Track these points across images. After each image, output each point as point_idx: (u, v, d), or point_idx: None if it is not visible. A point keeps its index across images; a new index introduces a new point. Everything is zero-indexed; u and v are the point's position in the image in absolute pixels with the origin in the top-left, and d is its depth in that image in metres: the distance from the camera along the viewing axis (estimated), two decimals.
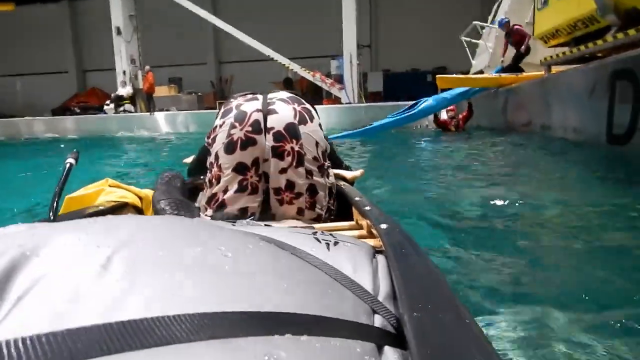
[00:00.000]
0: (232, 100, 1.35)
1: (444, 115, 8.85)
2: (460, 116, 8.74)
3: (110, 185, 1.17)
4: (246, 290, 0.33)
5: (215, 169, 1.26)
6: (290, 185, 1.24)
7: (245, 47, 15.98)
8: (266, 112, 1.25)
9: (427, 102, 8.03)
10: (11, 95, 20.17)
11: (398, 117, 8.21)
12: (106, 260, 0.30)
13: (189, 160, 1.89)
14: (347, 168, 1.69)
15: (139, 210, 1.22)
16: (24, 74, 22.05)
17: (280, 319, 0.31)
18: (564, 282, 1.74)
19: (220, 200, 1.25)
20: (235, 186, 1.24)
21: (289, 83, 16.96)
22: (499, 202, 3.09)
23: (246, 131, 1.22)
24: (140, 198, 1.20)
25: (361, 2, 16.02)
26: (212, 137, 1.30)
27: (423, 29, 19.54)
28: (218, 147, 1.26)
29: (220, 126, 1.27)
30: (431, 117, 8.96)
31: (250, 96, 1.34)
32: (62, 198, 1.06)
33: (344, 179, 1.57)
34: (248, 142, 1.21)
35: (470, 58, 11.54)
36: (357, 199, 1.17)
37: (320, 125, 1.33)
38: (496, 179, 4.05)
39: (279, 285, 0.35)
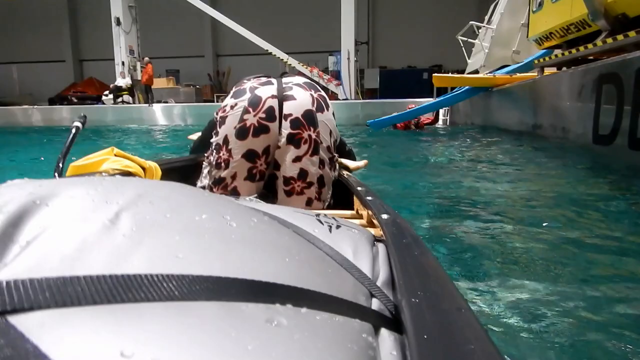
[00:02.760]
0: (245, 81, 1.28)
1: None
2: (423, 118, 9.59)
3: (115, 155, 1.16)
4: (249, 259, 0.33)
5: (223, 153, 1.22)
6: (302, 174, 1.21)
7: (243, 40, 16.05)
8: (282, 97, 1.20)
9: (463, 89, 9.02)
10: (8, 83, 20.13)
11: (441, 100, 9.45)
12: (114, 215, 0.31)
13: (194, 137, 1.83)
14: (350, 152, 1.64)
15: None
16: (21, 61, 21.97)
17: (281, 289, 0.32)
18: (548, 272, 1.92)
19: (231, 186, 1.22)
20: (245, 173, 1.21)
21: None
22: (488, 194, 3.30)
23: (260, 118, 1.18)
24: (144, 169, 1.22)
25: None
26: (221, 115, 1.24)
27: (420, 28, 19.72)
28: (228, 130, 1.21)
29: (232, 107, 1.21)
30: None
31: (264, 79, 1.27)
32: (68, 161, 1.06)
33: (346, 167, 1.54)
34: (261, 130, 1.18)
35: (467, 57, 11.73)
36: (359, 188, 1.14)
37: (333, 113, 1.30)
38: (486, 172, 4.25)
39: (280, 259, 0.35)
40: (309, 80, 1.31)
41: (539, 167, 4.39)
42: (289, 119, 1.18)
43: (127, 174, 1.11)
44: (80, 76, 22.55)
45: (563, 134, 4.99)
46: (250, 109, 1.19)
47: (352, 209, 1.19)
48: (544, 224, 2.49)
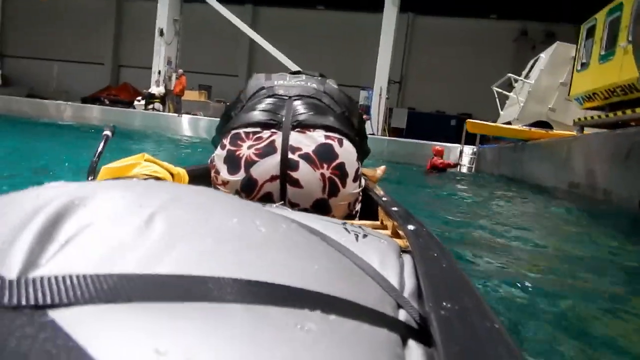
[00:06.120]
0: (241, 134, 1.08)
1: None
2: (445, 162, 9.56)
3: (146, 160, 1.20)
4: (277, 264, 0.33)
5: None
6: None
7: (278, 65, 16.30)
8: (284, 177, 1.00)
9: None
10: (47, 79, 20.70)
11: None
12: (148, 218, 0.31)
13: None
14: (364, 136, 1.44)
15: None
16: (61, 59, 22.66)
17: (310, 295, 0.31)
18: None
19: None
20: None
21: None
22: (510, 249, 3.11)
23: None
24: (172, 175, 1.23)
25: (397, 38, 16.37)
26: (214, 181, 1.10)
27: (453, 75, 19.83)
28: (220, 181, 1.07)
29: (224, 184, 1.05)
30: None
31: (265, 139, 1.05)
32: (99, 166, 1.12)
33: (369, 177, 1.48)
34: None
35: (499, 108, 11.68)
36: (383, 199, 1.09)
37: (357, 173, 1.07)
38: (513, 227, 4.07)
39: (308, 266, 0.35)
40: (325, 141, 1.02)
41: (581, 228, 4.20)
42: (296, 209, 1.00)
43: (155, 179, 1.11)
44: (116, 80, 23.08)
45: (604, 196, 4.81)
46: (244, 195, 1.02)
47: (377, 220, 1.14)
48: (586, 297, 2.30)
